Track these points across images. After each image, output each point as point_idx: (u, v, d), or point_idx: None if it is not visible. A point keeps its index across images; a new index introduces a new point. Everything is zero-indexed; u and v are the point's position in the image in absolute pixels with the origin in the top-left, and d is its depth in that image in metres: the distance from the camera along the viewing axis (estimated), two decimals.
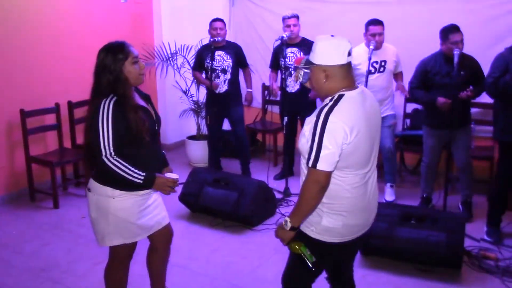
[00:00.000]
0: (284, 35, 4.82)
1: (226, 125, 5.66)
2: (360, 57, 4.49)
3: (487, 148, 4.99)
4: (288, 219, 2.21)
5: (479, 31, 4.89)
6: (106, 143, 2.39)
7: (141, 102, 2.61)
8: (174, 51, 5.91)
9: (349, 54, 2.16)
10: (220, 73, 5.26)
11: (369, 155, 2.21)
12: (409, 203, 4.54)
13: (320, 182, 2.10)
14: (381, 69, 4.64)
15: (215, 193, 4.38)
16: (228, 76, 5.27)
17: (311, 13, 5.74)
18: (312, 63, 2.19)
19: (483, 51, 4.61)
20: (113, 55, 2.44)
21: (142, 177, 2.46)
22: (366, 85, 4.26)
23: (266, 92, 6.19)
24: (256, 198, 4.30)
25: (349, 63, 2.19)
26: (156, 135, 2.66)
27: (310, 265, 2.22)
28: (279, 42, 4.88)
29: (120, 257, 2.72)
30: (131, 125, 2.42)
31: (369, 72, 4.35)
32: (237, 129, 5.46)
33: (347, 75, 2.19)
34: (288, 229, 2.21)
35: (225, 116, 5.49)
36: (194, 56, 5.66)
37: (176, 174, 2.64)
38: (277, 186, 5.10)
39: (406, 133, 5.20)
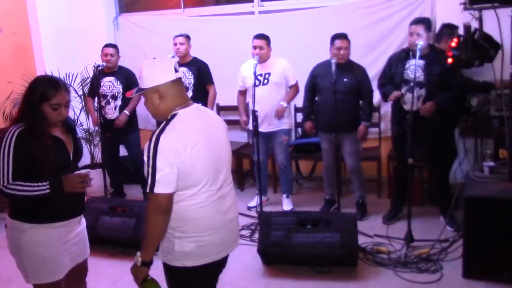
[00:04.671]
0: (170, 54, 4.84)
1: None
2: (247, 71, 4.66)
3: (373, 149, 5.29)
4: (139, 254, 2.10)
5: (353, 40, 5.20)
6: (5, 173, 2.29)
7: (57, 133, 2.48)
8: None
9: (176, 70, 2.13)
10: (110, 100, 5.16)
11: (214, 171, 2.14)
12: (308, 208, 4.71)
13: (161, 206, 2.02)
14: (265, 81, 4.75)
15: (112, 221, 4.25)
16: (118, 102, 5.19)
17: (200, 32, 5.79)
18: (143, 89, 2.13)
19: (358, 58, 4.91)
20: (41, 88, 2.36)
21: (47, 185, 2.32)
22: (253, 98, 4.39)
23: None
24: None
25: (179, 79, 2.17)
26: (67, 168, 2.49)
27: None
28: None
29: None
30: (32, 155, 2.32)
31: (254, 85, 4.46)
32: (132, 154, 5.38)
33: (179, 91, 2.16)
34: (139, 264, 2.10)
35: (120, 142, 5.41)
36: (80, 83, 5.55)
37: (85, 170, 2.48)
38: None
39: (298, 142, 5.37)
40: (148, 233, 2.08)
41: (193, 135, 2.07)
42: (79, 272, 2.73)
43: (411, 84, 4.09)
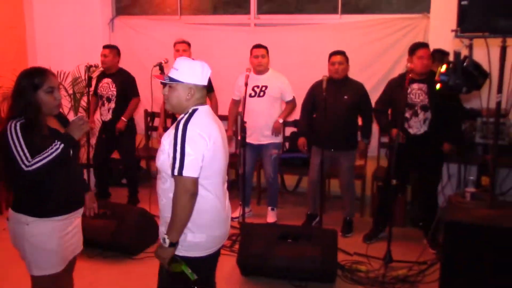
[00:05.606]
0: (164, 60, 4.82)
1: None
2: (242, 80, 4.67)
3: (359, 167, 5.31)
4: (166, 236, 2.22)
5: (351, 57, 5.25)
6: (23, 155, 2.34)
7: (54, 126, 2.54)
8: None
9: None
10: (105, 101, 5.15)
11: (223, 167, 2.37)
12: (291, 222, 4.71)
13: (189, 190, 2.17)
14: (261, 93, 4.74)
15: (92, 222, 4.20)
16: (112, 105, 5.16)
17: (195, 40, 5.80)
18: (177, 81, 2.29)
19: (352, 76, 4.95)
20: (29, 80, 2.44)
21: (58, 144, 2.39)
22: (243, 108, 4.39)
23: (148, 118, 6.14)
24: (136, 225, 4.22)
25: (207, 85, 2.41)
26: (68, 158, 2.53)
27: (193, 284, 2.24)
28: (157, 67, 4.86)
29: None
30: (37, 150, 2.37)
31: (245, 96, 4.47)
32: (126, 159, 5.39)
33: (204, 95, 2.39)
34: (167, 246, 2.22)
35: (113, 145, 5.35)
36: (71, 83, 5.54)
37: (79, 115, 2.58)
38: None
39: (284, 156, 5.37)
40: (176, 216, 2.20)
41: (213, 129, 2.30)
42: (71, 264, 2.76)
43: (416, 108, 4.16)
